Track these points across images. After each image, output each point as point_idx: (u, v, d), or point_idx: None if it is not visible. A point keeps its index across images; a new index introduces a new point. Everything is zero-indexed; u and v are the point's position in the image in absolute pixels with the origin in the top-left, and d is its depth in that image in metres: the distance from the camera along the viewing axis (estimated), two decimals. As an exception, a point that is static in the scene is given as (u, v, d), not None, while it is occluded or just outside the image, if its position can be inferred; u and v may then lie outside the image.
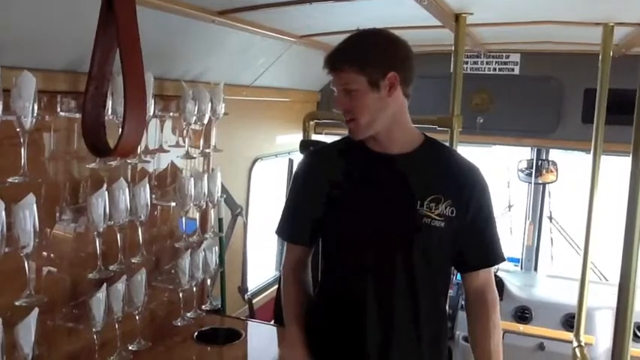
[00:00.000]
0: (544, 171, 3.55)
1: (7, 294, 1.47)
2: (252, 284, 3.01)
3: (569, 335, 2.50)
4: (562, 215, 4.46)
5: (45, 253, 1.65)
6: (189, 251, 2.16)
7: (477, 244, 1.57)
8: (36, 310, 1.45)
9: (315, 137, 2.87)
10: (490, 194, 1.58)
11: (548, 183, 3.63)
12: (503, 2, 1.98)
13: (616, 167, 2.54)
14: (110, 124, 1.65)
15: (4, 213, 1.35)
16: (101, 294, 1.71)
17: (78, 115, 1.60)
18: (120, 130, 1.49)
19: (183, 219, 2.15)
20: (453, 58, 2.16)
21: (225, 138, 2.36)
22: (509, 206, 4.94)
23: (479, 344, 1.58)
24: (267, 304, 3.02)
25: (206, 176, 2.18)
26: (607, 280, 3.80)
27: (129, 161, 1.85)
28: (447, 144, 2.10)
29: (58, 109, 1.63)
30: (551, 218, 4.26)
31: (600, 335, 2.92)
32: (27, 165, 1.45)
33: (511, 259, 3.69)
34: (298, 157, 2.54)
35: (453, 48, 2.15)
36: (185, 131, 2.13)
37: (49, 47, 1.53)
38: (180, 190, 2.07)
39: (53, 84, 1.60)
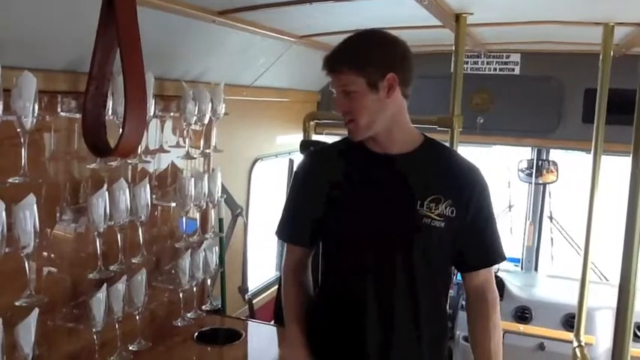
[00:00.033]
0: (544, 171, 3.55)
1: (7, 294, 1.47)
2: (253, 284, 3.01)
3: (570, 335, 2.50)
4: (562, 215, 4.46)
5: (45, 254, 1.65)
6: (189, 251, 2.16)
7: (477, 244, 1.57)
8: (36, 311, 1.45)
9: (315, 137, 2.87)
10: (490, 194, 1.58)
11: (549, 183, 3.63)
12: (504, 2, 1.98)
13: (616, 167, 2.54)
14: (110, 124, 1.65)
15: (4, 213, 1.35)
16: (101, 294, 1.71)
17: (78, 115, 1.60)
18: (120, 130, 1.49)
19: (184, 219, 2.15)
20: (453, 58, 2.16)
21: (226, 138, 2.36)
22: (510, 206, 4.95)
23: (479, 344, 1.58)
24: (268, 304, 3.02)
25: (206, 176, 2.18)
26: (607, 280, 3.80)
27: (129, 161, 1.85)
28: (448, 144, 2.11)
29: (59, 109, 1.63)
30: (551, 218, 4.26)
31: (600, 335, 2.92)
32: (27, 165, 1.45)
33: (511, 259, 3.69)
34: (298, 158, 2.54)
35: (453, 48, 2.15)
36: (185, 131, 2.13)
37: (49, 47, 1.53)
38: (180, 191, 2.07)
39: (53, 84, 1.60)
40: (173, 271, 2.15)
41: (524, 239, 3.72)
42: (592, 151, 2.28)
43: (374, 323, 1.52)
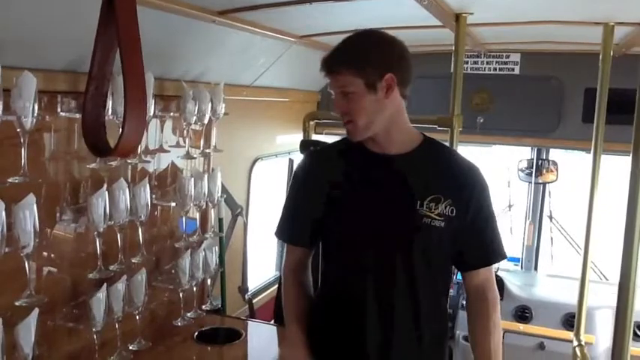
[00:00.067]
0: (544, 170, 3.55)
1: (7, 294, 1.47)
2: (253, 284, 3.01)
3: (570, 334, 2.50)
4: (562, 215, 4.46)
5: (45, 254, 1.65)
6: (189, 251, 2.16)
7: (477, 243, 1.57)
8: (36, 310, 1.45)
9: (315, 137, 2.87)
10: (490, 193, 1.58)
11: (549, 182, 3.63)
12: (504, 2, 1.98)
13: (616, 167, 2.54)
14: (110, 124, 1.65)
15: (4, 213, 1.35)
16: (101, 294, 1.71)
17: (78, 115, 1.60)
18: (120, 130, 1.49)
19: (184, 219, 2.15)
20: (453, 58, 2.16)
21: (226, 138, 2.36)
22: (510, 206, 4.95)
23: (479, 343, 1.58)
24: (268, 303, 3.02)
25: (206, 176, 2.18)
26: (607, 280, 3.81)
27: (129, 161, 1.85)
28: (447, 144, 2.11)
29: (59, 109, 1.63)
30: (551, 218, 4.26)
31: (600, 334, 2.92)
32: (27, 165, 1.45)
33: (511, 259, 3.69)
34: (298, 157, 2.54)
35: (453, 48, 2.15)
36: (185, 131, 2.13)
37: (49, 47, 1.53)
38: (180, 190, 2.07)
39: (53, 84, 1.60)
40: (173, 271, 2.16)
41: (524, 239, 3.72)
42: (592, 151, 2.28)
43: (374, 323, 1.52)
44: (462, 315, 3.00)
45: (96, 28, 1.46)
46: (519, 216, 4.20)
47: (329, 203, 1.55)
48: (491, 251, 1.59)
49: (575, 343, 2.34)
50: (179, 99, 2.06)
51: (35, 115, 1.41)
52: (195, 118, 2.09)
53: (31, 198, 1.42)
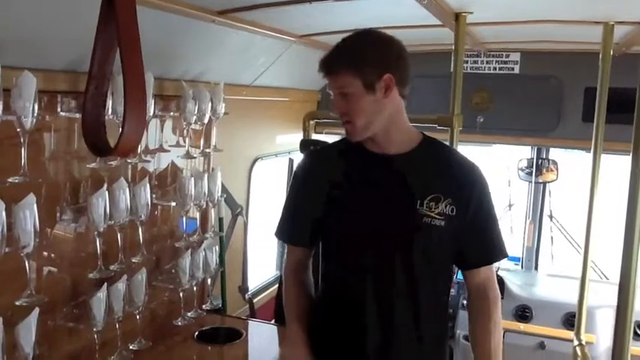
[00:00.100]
0: (544, 170, 3.55)
1: (7, 294, 1.47)
2: (253, 284, 3.01)
3: (570, 334, 2.50)
4: (562, 214, 4.46)
5: (45, 253, 1.65)
6: (189, 251, 2.16)
7: (478, 242, 1.57)
8: (36, 310, 1.45)
9: (315, 137, 2.87)
10: (490, 192, 1.58)
11: (549, 182, 3.63)
12: (503, 1, 1.98)
13: (616, 166, 2.54)
14: (110, 123, 1.65)
15: (4, 213, 1.35)
16: (102, 294, 1.71)
17: (78, 115, 1.60)
18: (120, 129, 1.49)
19: (184, 218, 2.15)
20: (452, 58, 2.16)
21: (226, 138, 2.36)
22: (510, 205, 4.95)
23: (479, 342, 1.58)
24: (268, 303, 3.02)
25: (206, 176, 2.18)
26: (607, 279, 3.80)
27: (129, 161, 1.85)
28: (447, 143, 2.11)
29: (59, 109, 1.63)
30: (551, 217, 4.26)
31: (601, 334, 2.92)
32: (27, 165, 1.45)
33: (512, 258, 3.69)
34: (298, 157, 2.53)
35: (452, 47, 2.14)
36: (185, 131, 2.13)
37: (49, 47, 1.53)
38: (180, 190, 2.07)
39: (53, 84, 1.60)
40: (173, 271, 2.16)
41: (524, 238, 3.71)
42: (592, 150, 2.28)
43: (373, 323, 1.51)
44: (463, 315, 2.99)
45: (96, 27, 1.46)
46: (519, 215, 4.20)
47: (329, 203, 1.55)
48: (492, 250, 1.59)
49: (576, 342, 2.34)
50: (179, 99, 2.06)
51: (35, 114, 1.41)
52: (195, 117, 2.09)
53: (31, 198, 1.42)
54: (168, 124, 2.13)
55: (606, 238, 3.63)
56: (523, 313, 3.11)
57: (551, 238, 4.84)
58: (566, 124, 3.11)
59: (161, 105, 2.01)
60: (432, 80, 2.69)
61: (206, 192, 2.16)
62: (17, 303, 1.46)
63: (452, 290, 2.89)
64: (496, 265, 1.92)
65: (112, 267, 1.79)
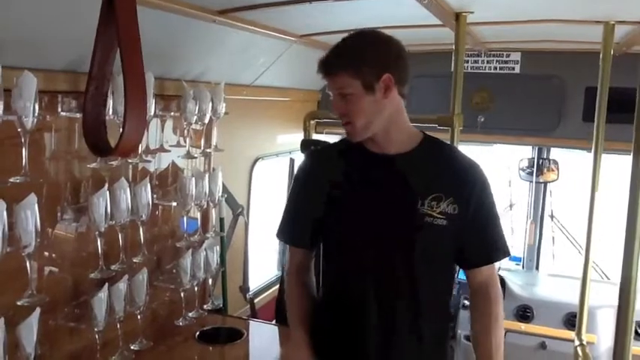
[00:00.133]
0: (545, 170, 3.55)
1: (9, 294, 1.47)
2: (254, 284, 3.01)
3: (571, 334, 2.50)
4: (563, 214, 4.45)
5: (46, 253, 1.65)
6: (190, 251, 2.16)
7: (479, 241, 1.56)
8: (38, 310, 1.45)
9: (315, 136, 2.87)
10: (491, 191, 1.58)
11: (550, 182, 3.63)
12: (504, 1, 1.98)
13: (617, 165, 2.53)
14: (111, 123, 1.65)
15: (5, 213, 1.35)
16: (103, 294, 1.71)
17: (79, 115, 1.60)
18: (120, 129, 1.49)
19: (185, 218, 2.16)
20: (453, 57, 2.16)
21: (226, 137, 2.36)
22: (511, 205, 4.94)
23: (481, 341, 1.57)
24: (269, 303, 3.02)
25: (207, 176, 2.18)
26: (608, 279, 3.80)
27: (130, 161, 1.85)
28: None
29: (59, 109, 1.63)
30: (552, 217, 4.25)
31: (602, 334, 2.92)
32: (28, 165, 1.45)
33: (513, 258, 3.69)
34: (299, 157, 2.54)
35: (453, 47, 2.14)
36: (186, 131, 2.14)
37: (49, 47, 1.53)
38: (181, 190, 2.07)
39: (54, 84, 1.60)
40: (174, 271, 2.16)
41: (525, 238, 3.71)
42: (593, 150, 2.28)
43: (374, 324, 1.51)
44: (464, 314, 2.99)
45: (96, 28, 1.46)
46: (520, 215, 4.20)
47: (329, 203, 1.55)
48: (494, 248, 1.58)
49: (577, 342, 2.33)
50: (179, 98, 2.06)
51: (36, 114, 1.42)
52: (195, 117, 2.09)
53: (32, 198, 1.42)
54: (169, 124, 2.13)
55: (607, 237, 3.62)
56: (524, 313, 3.11)
57: (553, 238, 4.83)
58: (567, 124, 3.10)
59: (162, 105, 2.01)
60: (432, 80, 2.68)
61: (207, 192, 2.16)
62: (19, 303, 1.47)
63: (453, 290, 2.91)
64: (497, 264, 1.92)
65: (113, 267, 1.79)
